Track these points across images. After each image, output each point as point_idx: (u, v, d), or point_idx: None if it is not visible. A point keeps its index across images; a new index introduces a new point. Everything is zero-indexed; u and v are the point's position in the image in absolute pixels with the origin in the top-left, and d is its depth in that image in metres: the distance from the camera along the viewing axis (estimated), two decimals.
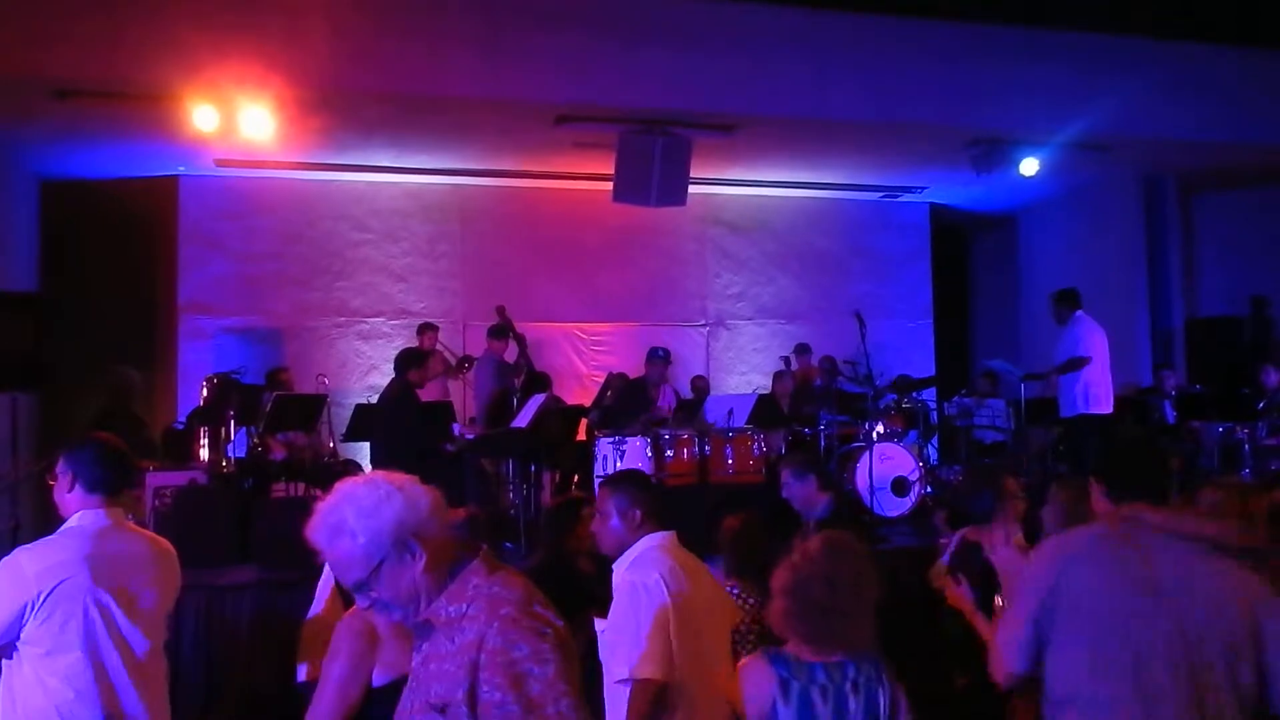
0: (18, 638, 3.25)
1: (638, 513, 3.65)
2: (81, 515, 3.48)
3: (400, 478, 2.26)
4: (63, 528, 3.49)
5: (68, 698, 3.27)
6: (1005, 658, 2.96)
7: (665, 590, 3.47)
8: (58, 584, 3.28)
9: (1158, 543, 2.87)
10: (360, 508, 2.18)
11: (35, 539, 3.50)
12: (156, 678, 3.49)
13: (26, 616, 3.24)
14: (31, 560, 3.31)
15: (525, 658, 2.12)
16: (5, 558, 3.36)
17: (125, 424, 8.13)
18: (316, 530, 2.20)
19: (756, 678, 2.95)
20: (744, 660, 3.06)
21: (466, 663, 2.14)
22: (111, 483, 3.53)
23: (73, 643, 3.29)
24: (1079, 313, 9.42)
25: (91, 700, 3.30)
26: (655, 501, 3.74)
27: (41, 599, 3.26)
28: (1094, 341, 9.32)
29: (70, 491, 3.50)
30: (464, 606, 2.20)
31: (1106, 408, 9.32)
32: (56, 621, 3.27)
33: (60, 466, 3.51)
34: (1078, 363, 9.27)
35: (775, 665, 2.95)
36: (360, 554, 2.17)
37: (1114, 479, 3.06)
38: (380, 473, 2.30)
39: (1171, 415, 10.85)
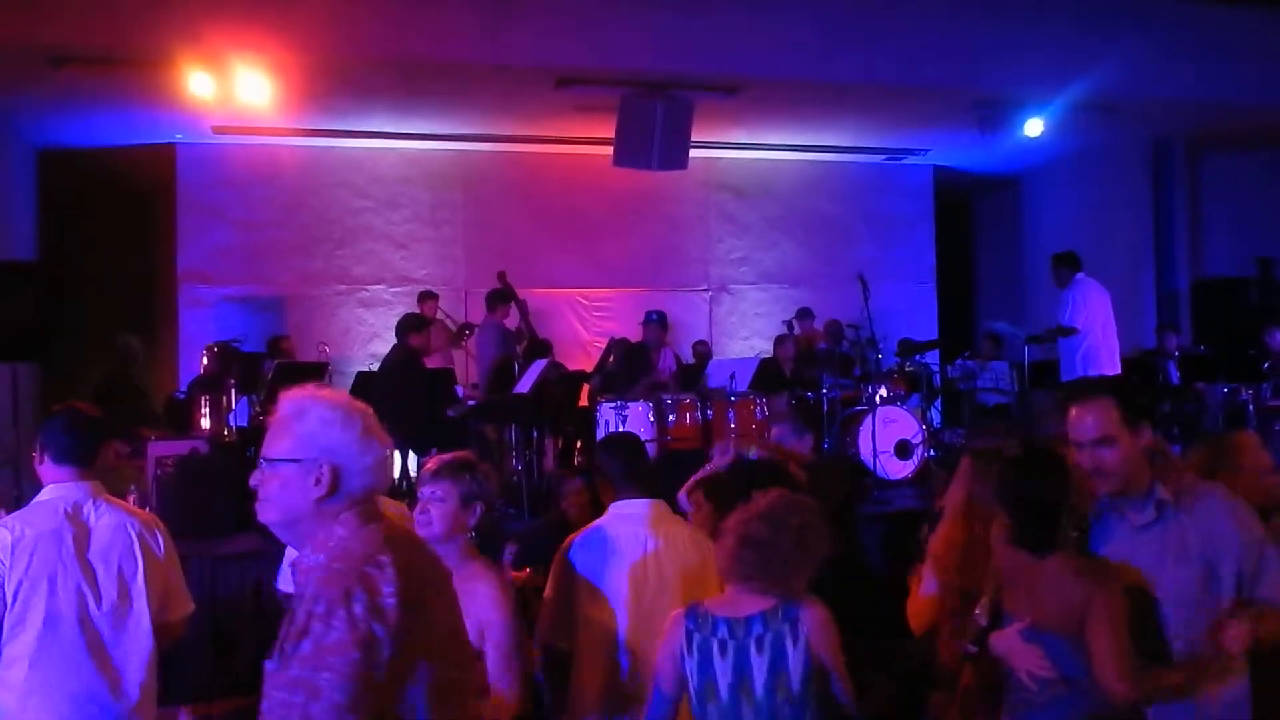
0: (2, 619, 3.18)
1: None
2: (50, 489, 3.38)
3: (372, 422, 2.24)
4: (30, 502, 3.40)
5: (31, 675, 3.20)
6: None
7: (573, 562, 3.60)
8: (25, 561, 3.21)
9: None
10: (320, 411, 2.18)
11: None
12: (133, 654, 3.36)
13: (3, 603, 3.18)
14: None
15: (318, 615, 1.99)
16: None
17: (127, 393, 8.14)
18: (282, 402, 2.23)
19: (672, 629, 3.05)
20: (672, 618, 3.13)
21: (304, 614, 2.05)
22: (81, 452, 3.41)
23: (35, 620, 3.21)
24: (1079, 275, 9.40)
25: (57, 677, 3.22)
26: (627, 468, 3.74)
27: (11, 580, 3.19)
28: (1094, 304, 9.30)
29: (41, 464, 3.42)
30: (322, 558, 2.12)
31: (1110, 369, 9.32)
32: (21, 597, 3.20)
33: (37, 440, 3.44)
34: (1065, 332, 9.26)
35: (688, 618, 3.03)
36: (291, 439, 2.17)
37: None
38: (365, 410, 2.27)
39: (1176, 376, 10.81)
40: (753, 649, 2.93)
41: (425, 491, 3.26)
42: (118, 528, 3.39)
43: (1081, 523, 3.06)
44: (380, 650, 2.00)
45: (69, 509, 3.33)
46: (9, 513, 3.52)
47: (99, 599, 3.29)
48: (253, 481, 2.20)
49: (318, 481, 2.14)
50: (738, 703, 2.92)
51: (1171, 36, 10.00)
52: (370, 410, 2.27)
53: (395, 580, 2.04)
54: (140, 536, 3.43)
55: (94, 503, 3.39)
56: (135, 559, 3.38)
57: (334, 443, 2.16)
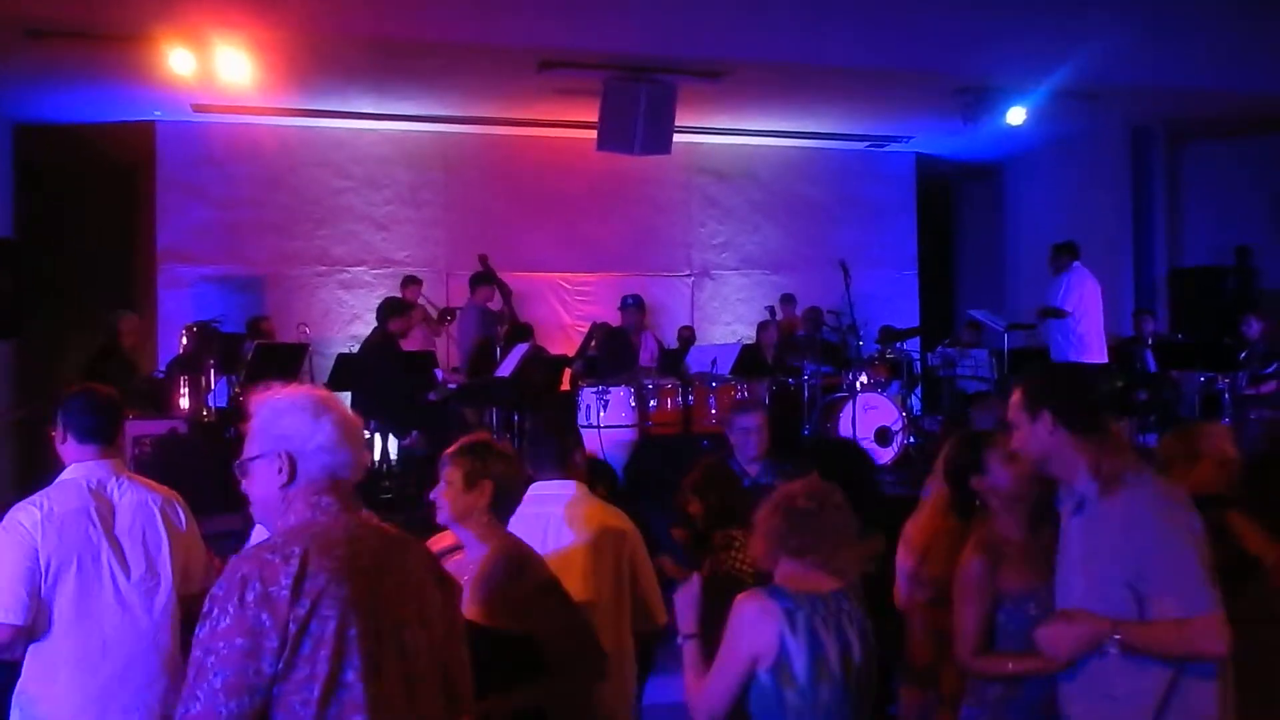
0: (41, 595, 3.23)
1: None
2: (74, 468, 3.44)
3: (343, 414, 2.32)
4: (56, 480, 3.44)
5: (66, 650, 3.25)
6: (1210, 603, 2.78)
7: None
8: (55, 537, 3.25)
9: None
10: (272, 404, 2.30)
11: (14, 487, 3.46)
12: (163, 627, 3.41)
13: (39, 573, 3.22)
14: (28, 515, 3.28)
15: (217, 599, 2.07)
16: (2, 519, 3.33)
17: (118, 369, 8.08)
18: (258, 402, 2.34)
19: (755, 615, 2.80)
20: (739, 600, 2.87)
21: None
22: (103, 431, 3.48)
23: (68, 594, 3.26)
24: (1075, 264, 9.52)
25: (93, 653, 3.27)
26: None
27: (43, 554, 3.23)
28: (1085, 292, 9.42)
29: (64, 444, 3.47)
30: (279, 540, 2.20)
31: (1098, 357, 9.45)
32: (53, 571, 3.24)
33: (58, 419, 3.49)
34: (1056, 313, 9.36)
35: (776, 599, 2.81)
36: (254, 437, 2.30)
37: (1077, 413, 2.93)
38: (336, 403, 2.35)
39: (1153, 364, 10.88)
40: (846, 622, 2.83)
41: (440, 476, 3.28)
42: (141, 504, 3.44)
43: (1045, 510, 3.11)
44: (266, 639, 2.02)
45: (94, 486, 3.38)
46: None
47: (128, 573, 3.35)
48: (243, 488, 2.33)
49: (280, 470, 2.25)
50: (845, 676, 2.78)
51: (1152, 23, 9.99)
52: (328, 395, 2.37)
53: (295, 572, 2.06)
54: (163, 511, 3.49)
55: (117, 480, 3.45)
56: (160, 533, 3.45)
57: (286, 430, 2.26)
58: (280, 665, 2.03)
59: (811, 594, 2.83)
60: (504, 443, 3.58)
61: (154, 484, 3.61)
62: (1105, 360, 9.53)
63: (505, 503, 3.24)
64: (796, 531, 2.88)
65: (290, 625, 2.04)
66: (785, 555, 2.90)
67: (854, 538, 2.96)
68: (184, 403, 7.89)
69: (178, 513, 3.55)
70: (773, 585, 2.89)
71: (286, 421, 2.27)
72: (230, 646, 2.01)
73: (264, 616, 2.03)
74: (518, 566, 3.14)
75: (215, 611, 2.05)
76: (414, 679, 2.22)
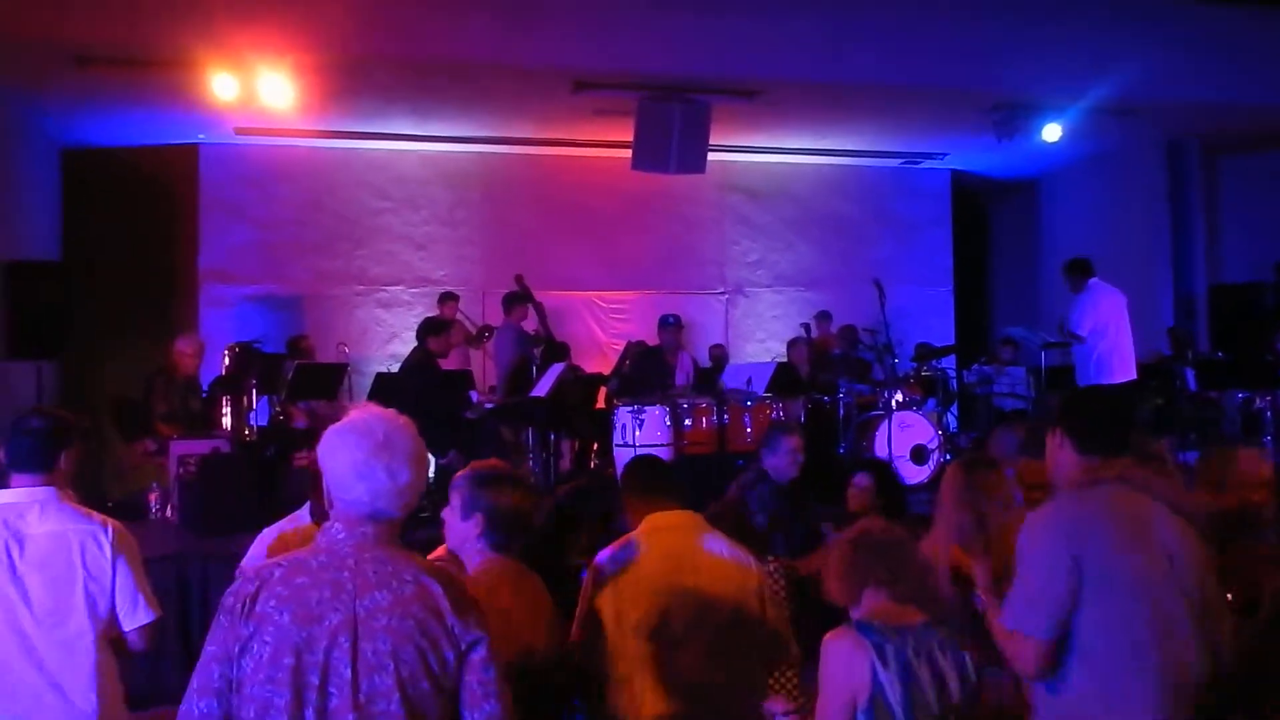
0: None
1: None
2: (1, 494, 3.31)
3: (409, 453, 2.32)
4: None
5: None
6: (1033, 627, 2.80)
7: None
8: None
9: (1145, 502, 2.89)
10: (351, 435, 2.32)
11: None
12: (74, 667, 3.21)
13: None
14: None
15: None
16: None
17: (171, 389, 8.19)
18: None
19: (845, 652, 2.75)
20: (828, 640, 2.82)
21: None
22: (33, 458, 3.32)
23: None
24: (1092, 280, 9.36)
25: None
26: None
27: None
28: (1104, 310, 9.25)
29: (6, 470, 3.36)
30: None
31: (1125, 375, 9.27)
32: None
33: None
34: (1071, 338, 9.26)
35: (865, 633, 2.77)
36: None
37: (1083, 433, 3.01)
38: (405, 438, 2.34)
39: (1193, 382, 10.78)
40: (938, 654, 2.78)
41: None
42: (58, 536, 3.24)
43: None
44: (215, 631, 2.22)
45: (9, 517, 3.24)
46: None
47: (30, 608, 3.18)
48: None
49: (327, 500, 2.37)
50: (942, 709, 2.74)
51: (1188, 38, 9.97)
52: (374, 422, 2.34)
53: (237, 590, 2.24)
54: (84, 546, 3.26)
55: (42, 509, 3.27)
56: (74, 568, 3.23)
57: (324, 464, 2.34)
58: (234, 677, 2.18)
59: (900, 626, 2.79)
60: (518, 470, 3.47)
61: (89, 513, 3.36)
62: (1133, 377, 9.35)
63: (505, 532, 3.16)
64: (880, 564, 2.86)
65: (231, 629, 2.20)
66: (869, 589, 2.86)
67: (933, 570, 2.98)
68: (226, 422, 7.99)
69: (101, 548, 3.27)
70: (859, 620, 2.85)
71: (344, 454, 2.32)
72: (205, 652, 2.21)
73: (227, 628, 2.20)
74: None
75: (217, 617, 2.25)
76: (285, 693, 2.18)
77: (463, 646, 2.25)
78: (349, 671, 2.17)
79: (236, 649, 2.17)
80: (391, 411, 2.38)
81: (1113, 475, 2.90)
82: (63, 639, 3.20)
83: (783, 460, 5.25)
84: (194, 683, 2.19)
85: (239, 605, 2.20)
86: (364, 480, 2.27)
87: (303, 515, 3.81)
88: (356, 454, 2.28)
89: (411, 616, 2.22)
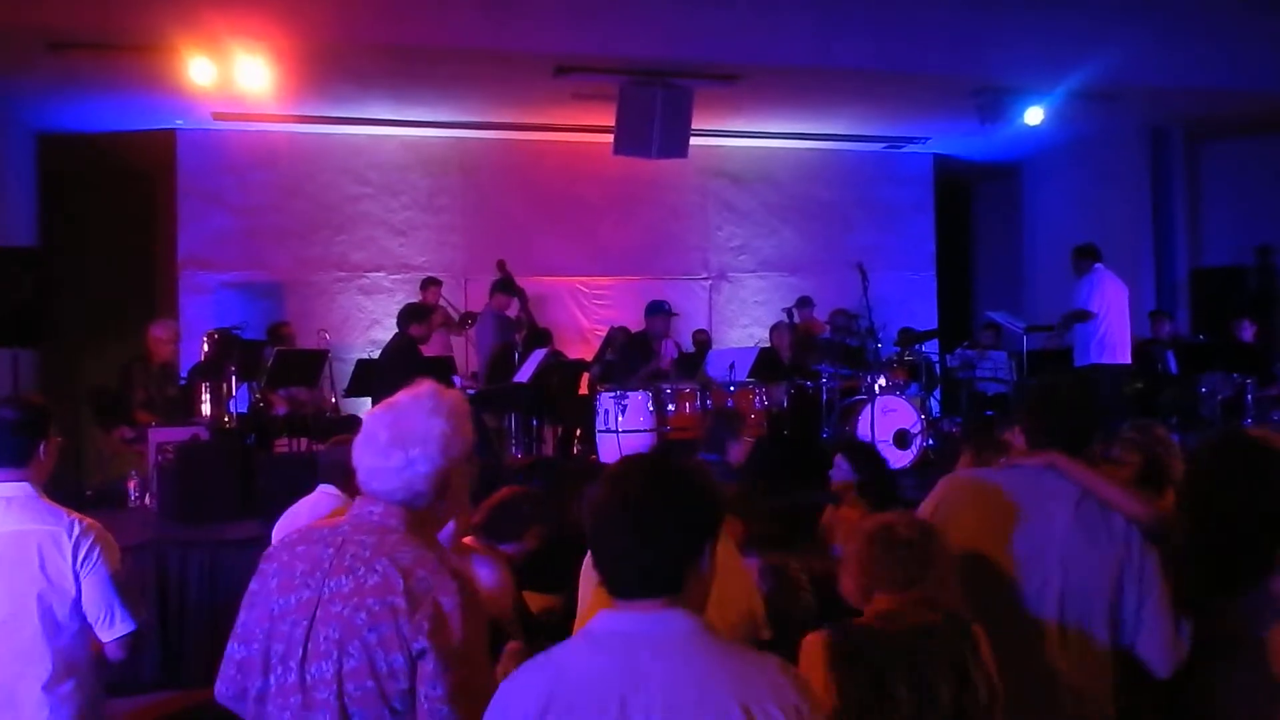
0: None
1: None
2: None
3: (408, 432, 2.27)
4: None
5: None
6: None
7: None
8: None
9: (1063, 492, 2.90)
10: (379, 408, 2.37)
11: None
12: (27, 675, 3.05)
13: None
14: None
15: None
16: None
17: (148, 376, 8.16)
18: None
19: (808, 656, 2.58)
20: (807, 641, 2.63)
21: None
22: (2, 452, 3.16)
23: None
24: (1097, 265, 9.48)
25: None
26: None
27: None
28: (1109, 294, 9.40)
29: None
30: None
31: (1123, 358, 9.42)
32: None
33: None
34: (1081, 315, 9.34)
35: (843, 636, 2.60)
36: None
37: (1033, 425, 3.05)
38: (418, 415, 2.29)
39: (1174, 365, 10.83)
40: (925, 659, 2.56)
41: None
42: (19, 537, 3.08)
43: None
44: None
45: None
46: None
47: None
48: None
49: None
50: (921, 714, 2.53)
51: (1169, 23, 9.98)
52: (401, 405, 2.31)
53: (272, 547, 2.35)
54: (42, 549, 3.08)
55: (7, 505, 3.11)
56: (33, 572, 3.06)
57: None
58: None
59: (890, 632, 2.60)
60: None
61: (60, 512, 3.18)
62: (1128, 362, 9.49)
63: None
64: (891, 559, 2.69)
65: (247, 597, 2.29)
66: (882, 589, 2.70)
67: (955, 569, 2.77)
68: (206, 409, 7.92)
69: (60, 550, 3.09)
70: (844, 622, 2.69)
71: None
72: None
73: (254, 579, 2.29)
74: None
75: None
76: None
77: (412, 652, 2.06)
78: (301, 651, 2.12)
79: (247, 601, 2.26)
80: (436, 387, 2.32)
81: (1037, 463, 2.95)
82: (16, 648, 3.04)
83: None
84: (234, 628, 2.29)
85: (262, 560, 2.29)
86: (362, 456, 2.24)
87: None
88: (365, 428, 2.27)
89: (365, 609, 2.08)
